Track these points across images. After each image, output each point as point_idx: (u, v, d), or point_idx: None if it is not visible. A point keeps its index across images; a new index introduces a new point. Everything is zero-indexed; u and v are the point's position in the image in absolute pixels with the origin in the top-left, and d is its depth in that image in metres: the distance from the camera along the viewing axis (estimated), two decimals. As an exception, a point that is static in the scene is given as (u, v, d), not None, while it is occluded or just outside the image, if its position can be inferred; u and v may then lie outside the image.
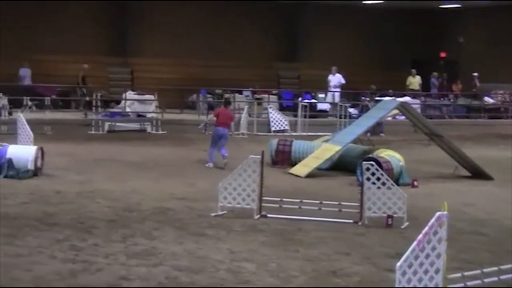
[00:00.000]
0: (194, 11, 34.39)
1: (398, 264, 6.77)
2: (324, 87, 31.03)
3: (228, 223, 10.98)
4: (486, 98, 32.70)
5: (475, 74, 33.08)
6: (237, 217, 11.39)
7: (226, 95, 29.16)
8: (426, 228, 6.97)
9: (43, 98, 25.34)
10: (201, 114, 27.52)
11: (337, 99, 29.52)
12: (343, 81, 30.26)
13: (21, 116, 17.64)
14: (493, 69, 34.57)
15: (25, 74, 29.18)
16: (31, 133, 17.07)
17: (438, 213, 7.08)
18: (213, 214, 11.48)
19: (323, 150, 17.05)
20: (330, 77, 30.25)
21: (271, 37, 36.11)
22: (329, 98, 30.07)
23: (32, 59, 30.67)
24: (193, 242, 9.76)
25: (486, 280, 7.93)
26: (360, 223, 11.24)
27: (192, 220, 11.19)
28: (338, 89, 30.23)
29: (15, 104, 25.50)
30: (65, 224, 10.50)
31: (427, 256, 6.91)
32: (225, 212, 11.56)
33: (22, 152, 14.88)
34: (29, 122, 17.68)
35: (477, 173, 16.80)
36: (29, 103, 25.68)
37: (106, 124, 24.67)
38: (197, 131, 25.05)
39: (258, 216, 11.43)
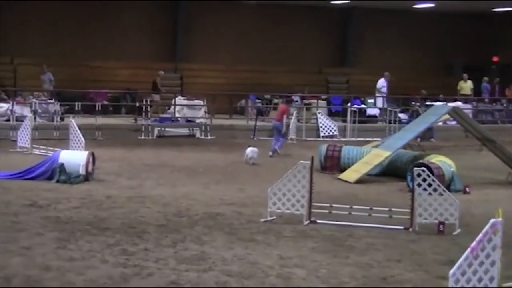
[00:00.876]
0: (243, 17, 34.53)
1: (451, 271, 6.68)
2: (373, 92, 30.86)
3: (277, 229, 10.97)
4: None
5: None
6: (286, 222, 11.37)
7: (275, 100, 29.22)
8: (480, 235, 6.86)
9: (94, 104, 25.69)
10: (250, 120, 27.56)
11: (386, 104, 29.34)
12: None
13: (73, 122, 17.93)
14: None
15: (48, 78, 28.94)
16: (82, 138, 17.33)
17: (492, 220, 6.97)
18: (262, 220, 11.48)
19: (373, 155, 16.94)
20: (384, 82, 29.95)
21: (320, 42, 36.03)
22: (380, 103, 29.84)
23: (84, 65, 31.20)
24: (242, 247, 9.77)
25: (541, 289, 7.79)
26: (411, 229, 11.13)
27: (242, 225, 11.21)
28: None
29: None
30: (116, 229, 10.61)
31: (481, 263, 6.80)
32: (274, 217, 11.54)
33: (74, 157, 15.10)
34: (80, 127, 17.96)
35: (532, 180, 16.50)
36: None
37: (156, 130, 24.91)
38: (246, 137, 25.13)
39: (308, 221, 11.40)
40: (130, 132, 24.89)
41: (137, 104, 26.45)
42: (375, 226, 11.25)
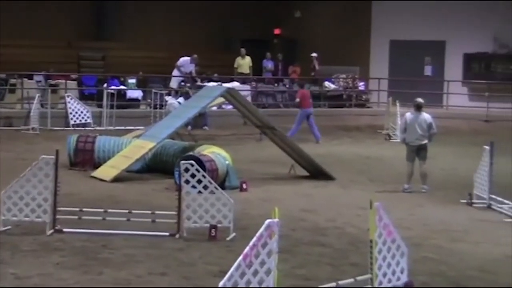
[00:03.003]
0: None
1: (221, 283, 6.86)
2: (133, 71, 30.91)
3: (13, 241, 10.71)
4: (327, 83, 33.75)
5: (314, 54, 34.01)
6: (25, 233, 11.14)
7: (13, 81, 28.42)
8: (254, 239, 7.11)
9: None
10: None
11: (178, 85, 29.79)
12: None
13: None
14: (334, 49, 35.82)
15: None
16: None
17: (268, 221, 7.25)
18: (-6, 231, 11.19)
19: (134, 147, 17.02)
20: (189, 64, 30.18)
21: (71, 10, 35.45)
22: (174, 83, 30.00)
23: None
24: (-34, 267, 9.46)
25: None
26: (178, 235, 11.31)
27: (-34, 239, 10.84)
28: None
29: None
30: None
31: (255, 273, 7.05)
32: (9, 227, 11.28)
33: None
34: None
35: (317, 173, 17.37)
36: None
37: None
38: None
39: (52, 231, 11.24)
40: None
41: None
42: (135, 234, 11.31)
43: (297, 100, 25.39)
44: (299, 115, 24.81)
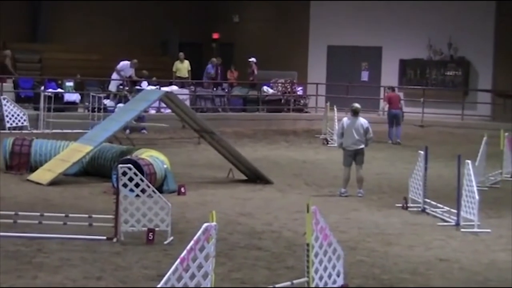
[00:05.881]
0: None
1: (158, 286, 6.86)
2: (74, 73, 30.63)
3: None
4: (265, 88, 33.85)
5: (252, 59, 34.11)
6: (-41, 237, 10.99)
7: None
8: (191, 243, 7.12)
9: None
10: None
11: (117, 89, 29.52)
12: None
13: None
14: (273, 54, 35.95)
15: None
16: None
17: (205, 224, 7.26)
18: None
19: (71, 151, 16.91)
20: (128, 68, 29.96)
21: (5, 10, 35.03)
22: (113, 86, 29.74)
23: None
24: None
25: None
26: (115, 239, 11.25)
27: None
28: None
29: None
30: None
31: (192, 276, 7.05)
32: None
33: None
34: None
35: (255, 177, 17.42)
36: None
37: None
38: None
39: (-13, 235, 11.10)
40: None
41: None
42: (71, 237, 11.23)
43: (385, 103, 28.54)
44: (387, 117, 27.49)
